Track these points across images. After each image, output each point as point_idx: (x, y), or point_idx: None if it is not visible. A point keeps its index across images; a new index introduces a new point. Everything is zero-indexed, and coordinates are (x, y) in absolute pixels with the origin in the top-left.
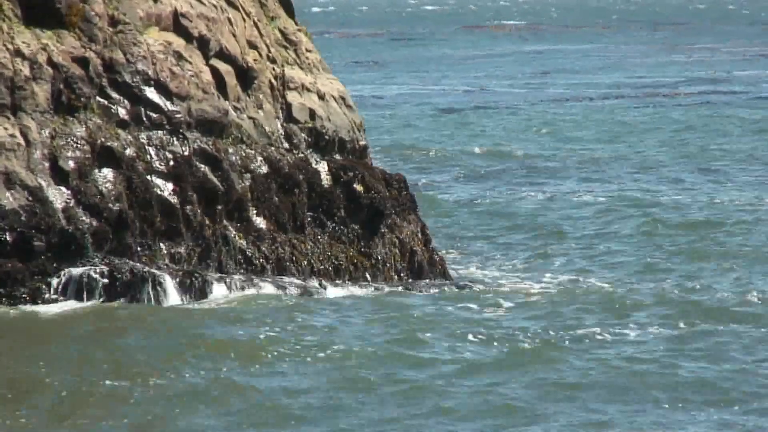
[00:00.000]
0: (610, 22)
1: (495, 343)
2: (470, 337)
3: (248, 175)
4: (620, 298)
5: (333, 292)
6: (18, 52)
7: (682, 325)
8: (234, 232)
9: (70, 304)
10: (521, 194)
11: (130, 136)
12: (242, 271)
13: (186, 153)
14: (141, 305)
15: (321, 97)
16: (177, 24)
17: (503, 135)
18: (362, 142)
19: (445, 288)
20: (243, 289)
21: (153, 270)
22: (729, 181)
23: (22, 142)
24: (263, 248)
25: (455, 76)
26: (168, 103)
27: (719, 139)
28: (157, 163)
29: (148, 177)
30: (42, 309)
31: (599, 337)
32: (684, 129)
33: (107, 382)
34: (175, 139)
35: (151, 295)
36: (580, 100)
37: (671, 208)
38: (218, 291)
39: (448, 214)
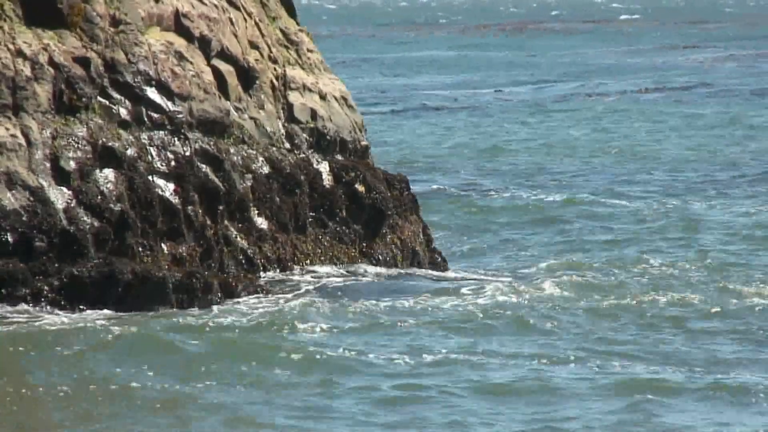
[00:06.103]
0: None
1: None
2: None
3: (250, 176)
4: (622, 295)
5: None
6: (19, 53)
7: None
8: (235, 233)
9: None
10: (525, 194)
11: (131, 137)
12: (243, 271)
13: (187, 153)
14: None
15: (322, 97)
16: (178, 24)
17: (504, 133)
18: (364, 143)
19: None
20: None
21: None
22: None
23: (24, 142)
24: (265, 248)
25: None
26: (169, 104)
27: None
28: (158, 164)
29: (150, 177)
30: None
31: (605, 333)
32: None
33: None
34: (176, 139)
35: None
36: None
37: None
38: None
39: (448, 215)
